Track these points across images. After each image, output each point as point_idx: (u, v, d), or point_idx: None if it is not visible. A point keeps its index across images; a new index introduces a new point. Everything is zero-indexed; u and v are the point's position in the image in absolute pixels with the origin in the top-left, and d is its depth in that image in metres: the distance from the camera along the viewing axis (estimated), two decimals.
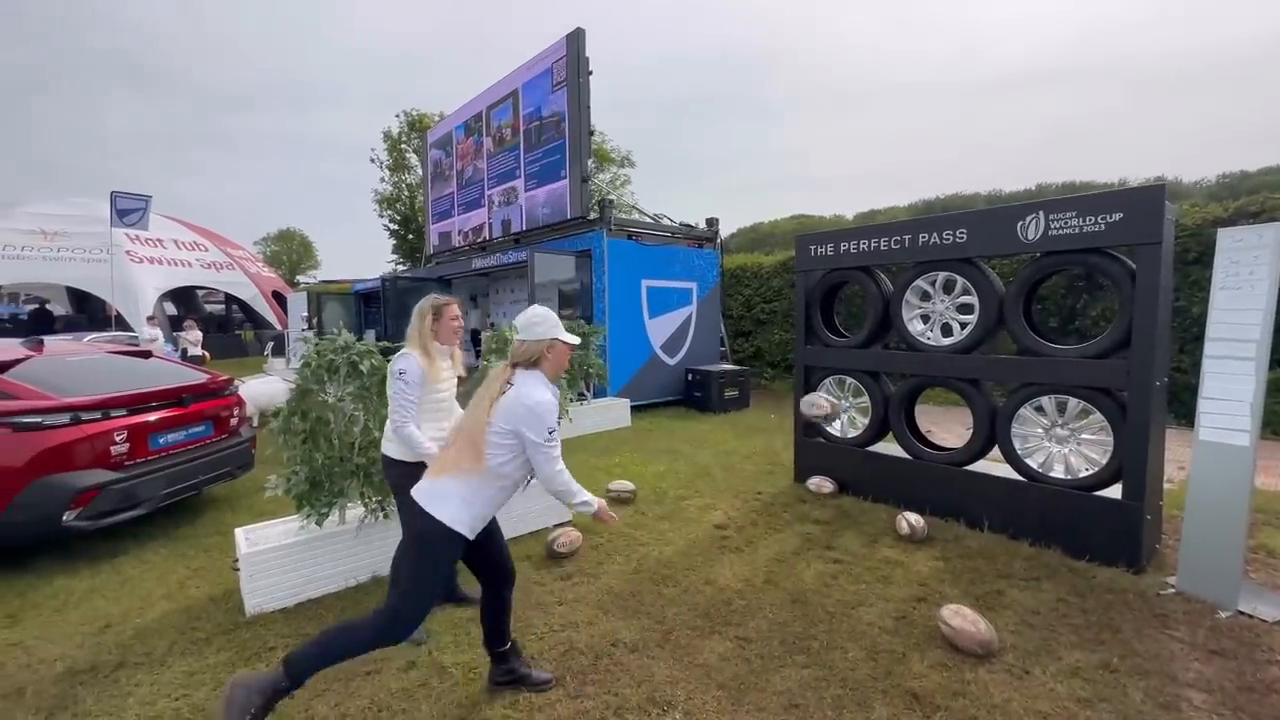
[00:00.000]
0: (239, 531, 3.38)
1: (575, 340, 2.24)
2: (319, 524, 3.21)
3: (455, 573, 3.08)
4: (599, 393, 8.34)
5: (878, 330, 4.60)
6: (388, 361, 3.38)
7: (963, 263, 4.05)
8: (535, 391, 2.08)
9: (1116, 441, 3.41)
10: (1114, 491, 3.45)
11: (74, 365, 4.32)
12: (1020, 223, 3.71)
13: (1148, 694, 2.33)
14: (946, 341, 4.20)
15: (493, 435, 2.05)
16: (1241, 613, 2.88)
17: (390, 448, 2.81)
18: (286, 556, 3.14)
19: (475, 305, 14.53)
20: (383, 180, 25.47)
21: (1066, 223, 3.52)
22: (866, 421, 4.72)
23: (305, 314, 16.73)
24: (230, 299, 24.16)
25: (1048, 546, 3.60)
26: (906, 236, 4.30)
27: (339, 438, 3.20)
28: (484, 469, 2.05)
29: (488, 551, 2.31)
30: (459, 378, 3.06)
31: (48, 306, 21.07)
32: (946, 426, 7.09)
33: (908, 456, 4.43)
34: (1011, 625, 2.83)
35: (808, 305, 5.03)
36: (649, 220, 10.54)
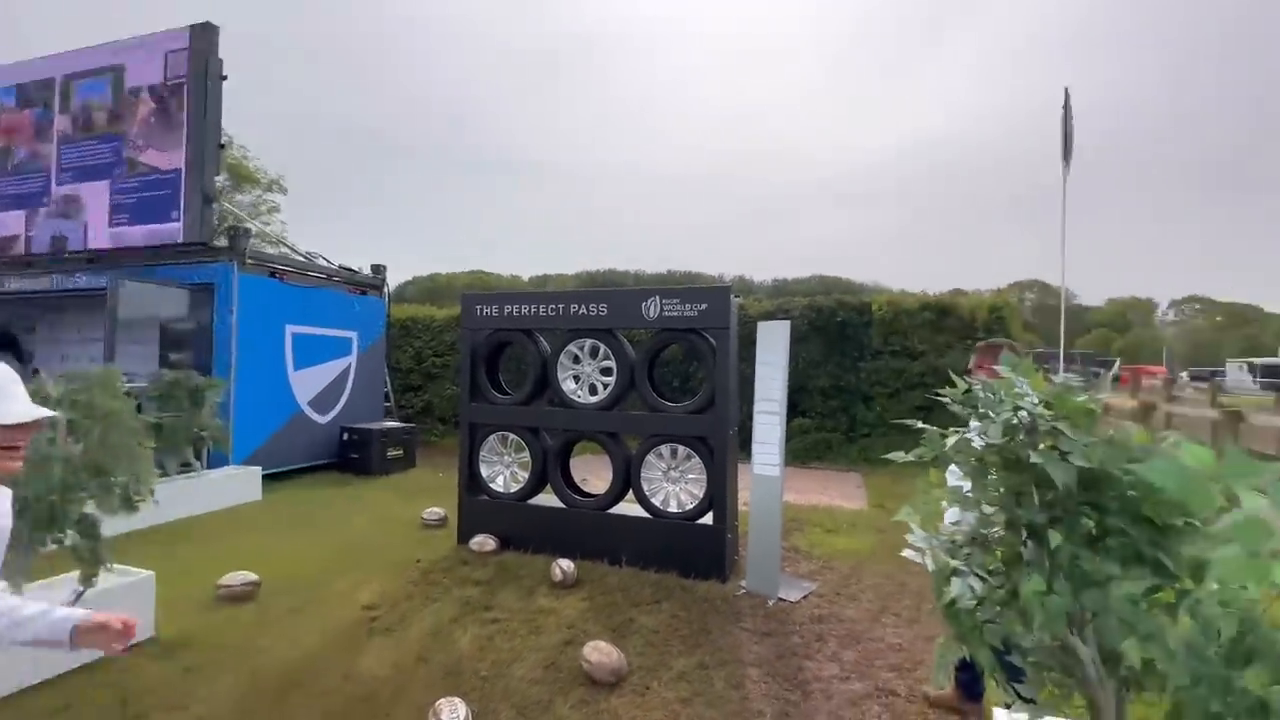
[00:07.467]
0: None
1: (23, 417, 1.30)
2: None
3: None
4: (217, 460, 6.69)
5: (537, 389, 4.96)
6: None
7: (605, 332, 4.74)
8: None
9: (708, 479, 4.39)
10: (709, 519, 4.41)
11: None
12: (644, 303, 4.57)
13: (726, 680, 2.97)
14: (593, 399, 4.80)
15: None
16: (781, 599, 3.96)
17: None
18: None
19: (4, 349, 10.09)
20: None
21: (674, 307, 4.49)
22: (527, 475, 4.96)
23: None
24: None
25: (668, 572, 4.34)
26: (562, 305, 4.82)
27: None
28: None
29: None
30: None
31: None
32: (601, 475, 7.96)
33: (562, 505, 4.81)
34: (638, 648, 3.27)
35: (473, 363, 5.11)
36: (300, 258, 9.23)
